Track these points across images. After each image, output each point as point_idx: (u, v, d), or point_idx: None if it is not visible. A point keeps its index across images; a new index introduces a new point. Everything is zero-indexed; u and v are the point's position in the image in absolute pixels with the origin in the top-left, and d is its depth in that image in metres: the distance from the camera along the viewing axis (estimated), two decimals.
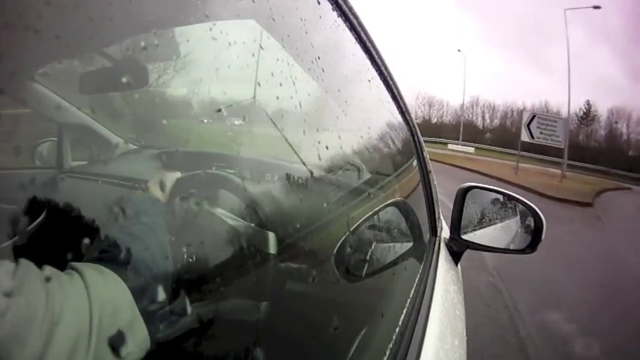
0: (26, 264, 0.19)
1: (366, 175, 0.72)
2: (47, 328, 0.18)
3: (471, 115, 31.97)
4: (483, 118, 32.70)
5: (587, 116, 28.50)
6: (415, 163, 1.03)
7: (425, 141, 1.08)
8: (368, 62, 0.70)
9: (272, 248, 0.40)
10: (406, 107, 0.92)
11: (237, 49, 0.37)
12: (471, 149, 22.52)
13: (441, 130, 29.06)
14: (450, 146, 23.10)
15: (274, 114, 0.42)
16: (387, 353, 0.47)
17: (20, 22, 0.21)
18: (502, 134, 28.69)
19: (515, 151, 14.93)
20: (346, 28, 0.60)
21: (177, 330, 0.27)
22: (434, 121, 32.92)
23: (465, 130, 26.54)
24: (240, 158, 0.41)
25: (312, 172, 0.45)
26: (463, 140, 24.75)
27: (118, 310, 0.23)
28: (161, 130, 0.34)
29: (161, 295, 0.26)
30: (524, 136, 13.74)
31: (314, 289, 0.43)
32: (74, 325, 0.20)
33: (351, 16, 0.59)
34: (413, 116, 0.98)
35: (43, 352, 0.18)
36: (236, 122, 0.38)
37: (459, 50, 27.98)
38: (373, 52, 0.69)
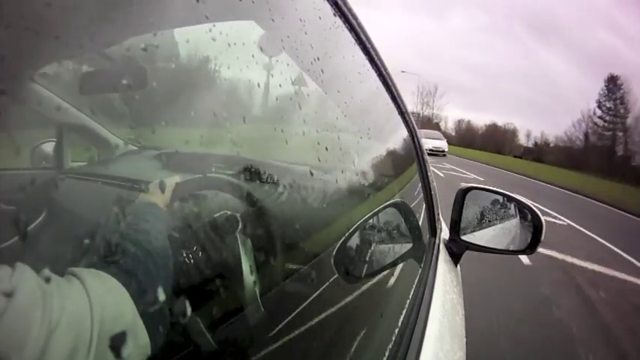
0: (24, 267, 0.19)
1: (366, 176, 0.72)
2: (45, 332, 0.18)
3: None
4: None
5: None
6: (415, 163, 1.03)
7: None
8: (367, 63, 0.70)
9: (272, 249, 0.40)
10: (406, 108, 0.93)
11: (236, 50, 0.37)
12: None
13: None
14: None
15: (274, 115, 0.42)
16: (387, 354, 0.47)
17: (20, 23, 0.21)
18: None
19: None
20: (346, 29, 0.60)
21: (178, 335, 0.27)
22: None
23: None
24: (240, 159, 0.41)
25: (311, 173, 0.45)
26: None
27: (118, 315, 0.22)
28: (161, 131, 0.34)
29: (162, 300, 0.25)
30: None
31: (314, 289, 0.43)
32: (73, 329, 0.19)
33: (351, 17, 0.59)
34: None
35: (41, 357, 0.18)
36: (236, 123, 0.38)
37: None
38: (373, 54, 0.70)
